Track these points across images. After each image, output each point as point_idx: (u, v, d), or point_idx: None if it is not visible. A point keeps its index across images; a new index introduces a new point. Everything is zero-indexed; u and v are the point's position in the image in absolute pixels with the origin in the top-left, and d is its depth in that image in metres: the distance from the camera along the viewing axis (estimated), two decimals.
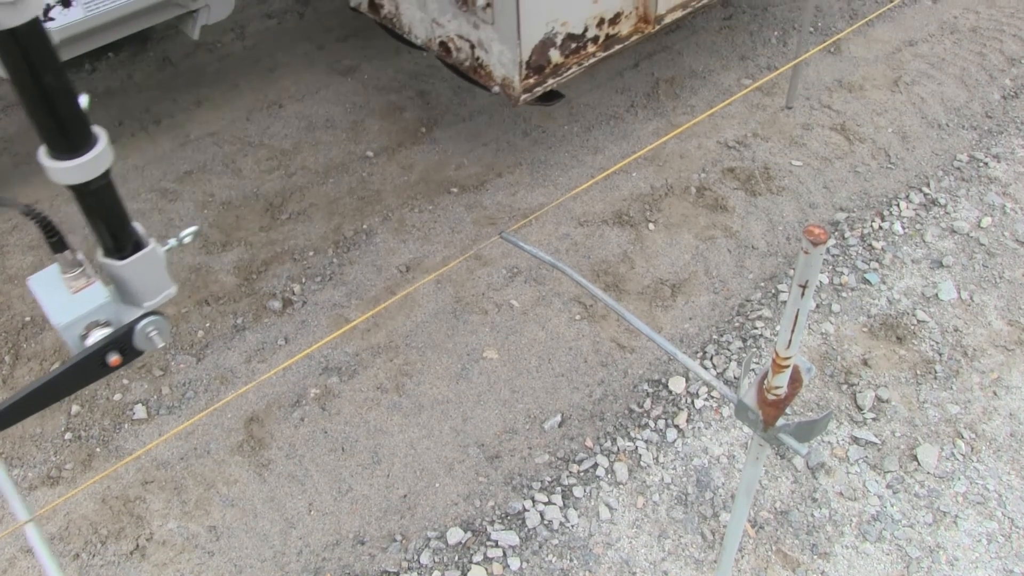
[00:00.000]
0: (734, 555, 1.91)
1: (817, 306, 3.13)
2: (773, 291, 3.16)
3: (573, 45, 2.96)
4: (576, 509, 2.53)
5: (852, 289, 3.18)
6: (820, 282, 3.21)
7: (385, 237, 3.36)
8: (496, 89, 2.90)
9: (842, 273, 3.24)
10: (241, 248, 3.32)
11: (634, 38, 3.13)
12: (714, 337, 3.01)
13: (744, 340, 2.99)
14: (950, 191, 3.60)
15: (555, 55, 2.92)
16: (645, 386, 2.85)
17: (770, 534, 2.46)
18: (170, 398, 2.81)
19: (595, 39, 3.03)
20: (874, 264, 3.27)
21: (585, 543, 2.45)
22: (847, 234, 3.40)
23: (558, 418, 2.75)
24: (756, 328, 3.02)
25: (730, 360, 2.93)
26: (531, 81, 2.88)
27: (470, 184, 3.60)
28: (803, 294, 1.24)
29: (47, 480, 2.59)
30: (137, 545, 2.43)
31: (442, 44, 3.00)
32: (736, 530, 1.80)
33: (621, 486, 2.58)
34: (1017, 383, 2.85)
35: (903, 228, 3.43)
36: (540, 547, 2.44)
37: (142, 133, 3.85)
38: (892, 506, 2.52)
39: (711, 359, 2.94)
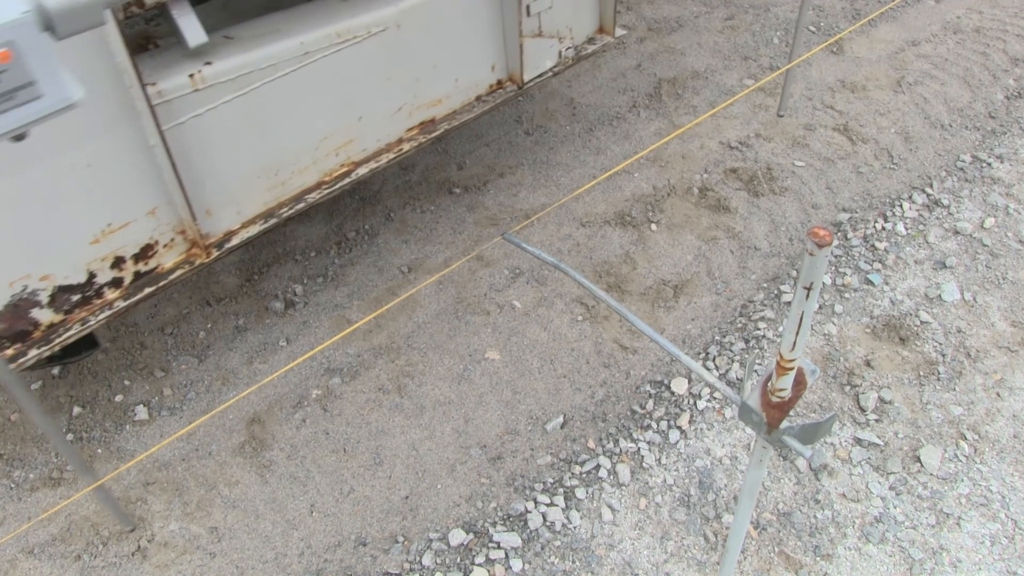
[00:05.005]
0: (737, 557, 1.91)
1: (820, 307, 3.12)
2: (776, 292, 3.15)
3: (76, 297, 2.31)
4: (578, 510, 2.52)
5: (855, 290, 3.17)
6: (823, 283, 3.21)
7: (387, 237, 3.36)
8: None
9: (845, 274, 3.23)
10: (242, 248, 3.32)
11: (181, 271, 2.48)
12: (716, 338, 3.00)
13: (747, 341, 2.98)
14: (953, 192, 3.59)
15: (45, 315, 2.26)
16: (647, 387, 2.84)
17: (773, 536, 2.46)
18: (172, 399, 2.81)
19: (116, 282, 2.37)
20: (877, 265, 3.27)
21: (587, 545, 2.44)
22: (850, 235, 3.39)
23: (560, 419, 2.74)
24: (759, 329, 3.02)
25: (733, 361, 2.92)
26: (8, 353, 2.25)
27: (472, 184, 3.60)
28: (808, 296, 1.23)
29: (48, 481, 2.59)
30: (139, 546, 2.43)
31: None
32: (739, 532, 1.79)
33: (623, 487, 2.58)
34: (1020, 384, 2.84)
35: (906, 229, 3.42)
36: (542, 548, 2.43)
37: None
38: (895, 508, 2.52)
39: (713, 360, 2.93)
